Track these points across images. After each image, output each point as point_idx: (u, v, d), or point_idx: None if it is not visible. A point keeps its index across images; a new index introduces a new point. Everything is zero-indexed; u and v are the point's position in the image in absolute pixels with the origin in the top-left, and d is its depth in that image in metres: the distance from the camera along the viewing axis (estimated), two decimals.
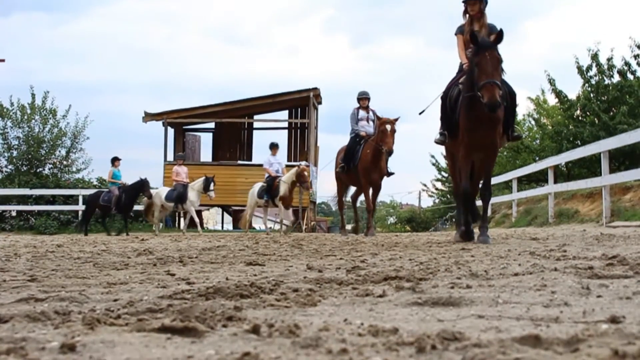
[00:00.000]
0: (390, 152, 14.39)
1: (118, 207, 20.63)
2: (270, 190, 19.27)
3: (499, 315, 2.18)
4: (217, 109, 28.98)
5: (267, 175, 19.63)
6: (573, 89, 75.47)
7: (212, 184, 19.93)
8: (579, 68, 25.83)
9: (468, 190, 8.97)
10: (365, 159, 15.00)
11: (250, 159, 31.79)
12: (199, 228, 21.04)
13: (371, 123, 15.65)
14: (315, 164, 29.83)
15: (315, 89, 28.93)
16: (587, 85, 25.86)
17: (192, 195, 20.12)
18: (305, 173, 18.42)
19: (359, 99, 16.05)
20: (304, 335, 1.83)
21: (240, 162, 29.37)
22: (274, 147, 19.88)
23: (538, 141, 29.45)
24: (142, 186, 20.39)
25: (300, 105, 30.08)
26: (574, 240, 8.05)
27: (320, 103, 30.75)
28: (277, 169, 19.67)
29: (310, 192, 27.11)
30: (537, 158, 26.60)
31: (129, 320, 2.14)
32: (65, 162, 30.81)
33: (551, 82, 26.51)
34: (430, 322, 2.12)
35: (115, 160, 21.58)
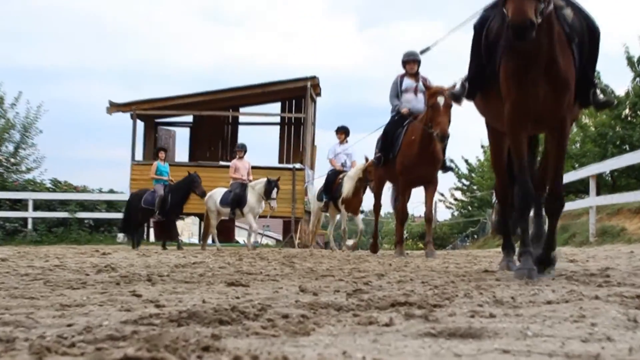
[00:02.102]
0: (443, 138, 12.16)
1: (163, 211, 19.68)
2: (330, 189, 18.24)
3: (527, 351, 2.18)
4: (196, 99, 29.00)
5: (329, 169, 18.64)
6: (621, 83, 75.38)
7: (275, 190, 18.68)
8: (629, 59, 25.88)
9: (528, 185, 6.35)
10: (409, 147, 13.03)
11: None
12: (254, 239, 19.91)
13: (421, 96, 13.39)
14: (312, 167, 29.84)
15: (313, 78, 28.95)
16: (638, 79, 25.91)
17: (252, 198, 18.86)
18: (371, 169, 16.00)
19: (404, 63, 13.83)
20: None
21: (222, 163, 29.37)
22: (341, 131, 18.82)
23: (578, 145, 29.49)
24: (191, 182, 19.45)
25: (296, 96, 30.10)
26: (619, 264, 8.05)
27: (319, 95, 30.77)
28: (345, 160, 18.54)
29: (305, 200, 27.11)
30: (576, 165, 26.61)
31: (85, 349, 2.13)
32: (12, 160, 30.81)
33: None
34: (445, 356, 2.11)
35: (159, 152, 20.96)
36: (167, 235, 21.05)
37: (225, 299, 4.01)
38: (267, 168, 25.17)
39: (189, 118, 32.31)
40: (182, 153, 32.46)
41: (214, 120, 31.41)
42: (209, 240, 20.96)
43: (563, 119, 6.29)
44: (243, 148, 20.24)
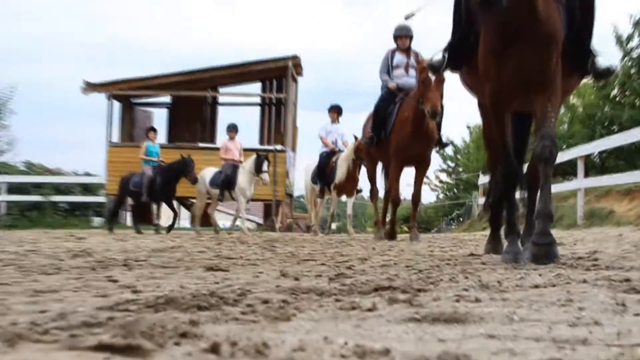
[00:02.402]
0: (434, 114, 11.82)
1: (151, 194, 19.36)
2: (323, 174, 17.86)
3: (514, 335, 2.18)
4: (174, 79, 28.90)
5: (323, 149, 18.17)
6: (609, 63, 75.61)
7: (265, 163, 18.48)
8: (618, 38, 25.96)
9: (511, 163, 6.19)
10: (402, 125, 12.82)
11: (213, 140, 31.70)
12: (242, 224, 19.41)
13: (413, 73, 13.12)
14: (294, 149, 29.85)
15: (295, 57, 28.90)
16: (627, 58, 25.99)
17: (243, 179, 18.62)
18: (362, 148, 15.67)
19: (395, 37, 13.64)
20: (274, 356, 1.82)
21: (201, 144, 29.26)
22: (334, 110, 18.50)
23: (566, 126, 29.61)
24: (183, 166, 18.98)
25: (276, 76, 30.03)
26: (607, 247, 8.10)
27: (300, 74, 30.73)
28: (335, 139, 18.16)
29: (287, 183, 27.11)
30: (564, 146, 26.74)
31: (59, 336, 2.12)
32: None
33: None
34: (429, 342, 2.11)
35: (149, 132, 20.71)
36: (147, 218, 20.98)
37: (204, 284, 4.00)
38: (247, 150, 25.08)
39: (167, 99, 32.19)
40: (159, 134, 32.36)
41: (192, 100, 31.29)
42: (188, 224, 20.87)
43: (549, 78, 5.76)
44: (234, 128, 20.00)
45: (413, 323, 2.49)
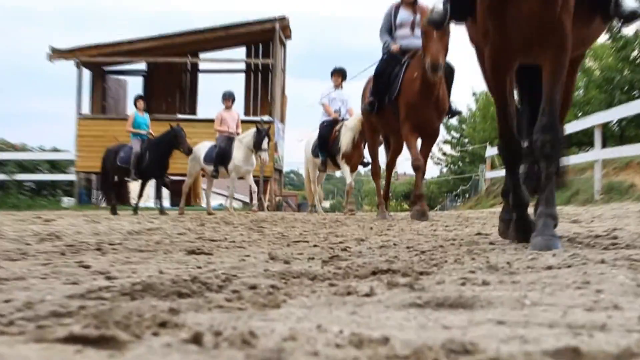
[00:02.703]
0: (435, 67, 11.32)
1: (139, 170, 18.94)
2: (326, 144, 17.58)
3: (525, 321, 2.19)
4: (150, 44, 28.81)
5: (323, 118, 17.93)
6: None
7: (265, 141, 18.15)
8: None
9: (512, 136, 6.00)
10: (411, 87, 12.31)
11: (194, 111, 31.68)
12: (255, 201, 19.44)
13: (419, 32, 12.19)
14: (282, 120, 29.84)
15: (282, 18, 28.82)
16: None
17: (239, 154, 18.40)
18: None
19: None
20: (263, 346, 1.82)
21: (180, 116, 29.21)
22: (337, 73, 18.21)
23: (582, 91, 29.61)
24: (175, 137, 18.54)
25: (262, 40, 29.97)
26: (627, 224, 8.12)
27: (289, 38, 30.68)
28: (339, 107, 17.91)
29: (275, 157, 27.10)
30: (579, 114, 26.76)
31: (25, 327, 2.12)
32: None
33: None
34: (433, 329, 2.12)
35: (138, 100, 20.34)
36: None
37: (185, 269, 4.01)
38: None
39: (142, 66, 32.12)
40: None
41: (170, 68, 31.22)
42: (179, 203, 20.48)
43: (563, 35, 5.37)
44: (231, 96, 19.85)
45: (415, 309, 2.49)
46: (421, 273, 3.51)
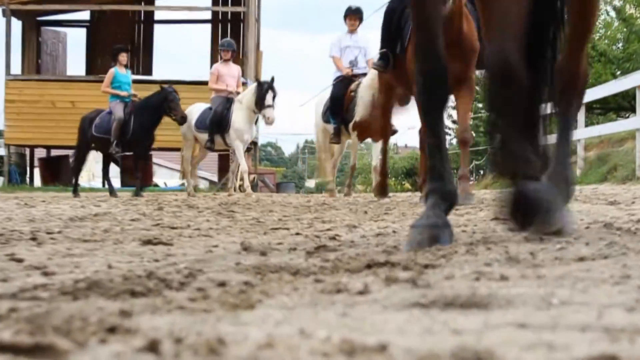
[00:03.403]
0: None
1: (122, 141, 18.52)
2: (339, 108, 16.42)
3: (552, 324, 2.20)
4: None
5: (335, 74, 16.95)
6: None
7: (269, 94, 17.61)
8: None
9: (438, 59, 4.80)
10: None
11: (149, 71, 31.62)
12: (247, 184, 18.95)
13: None
14: (258, 76, 29.74)
15: None
16: None
17: (240, 117, 17.94)
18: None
19: None
20: (233, 356, 1.82)
21: (133, 77, 29.13)
22: (352, 15, 17.11)
23: (620, 45, 29.62)
24: (165, 101, 18.18)
25: None
26: None
27: None
28: (355, 57, 16.85)
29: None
30: (618, 72, 26.81)
31: None
32: None
33: None
34: (440, 334, 2.12)
35: (119, 54, 20.04)
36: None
37: (140, 263, 4.01)
38: (193, 83, 25.00)
39: (84, 15, 32.03)
40: (76, 64, 32.20)
41: (119, 17, 31.16)
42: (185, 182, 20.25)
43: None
44: (230, 47, 19.51)
45: (418, 309, 2.50)
46: (426, 266, 3.52)
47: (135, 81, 25.53)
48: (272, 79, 18.09)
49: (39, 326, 2.11)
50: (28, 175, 27.93)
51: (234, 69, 19.14)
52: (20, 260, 4.18)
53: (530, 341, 1.98)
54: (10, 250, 4.81)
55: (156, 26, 32.58)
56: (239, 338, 2.04)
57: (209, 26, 31.56)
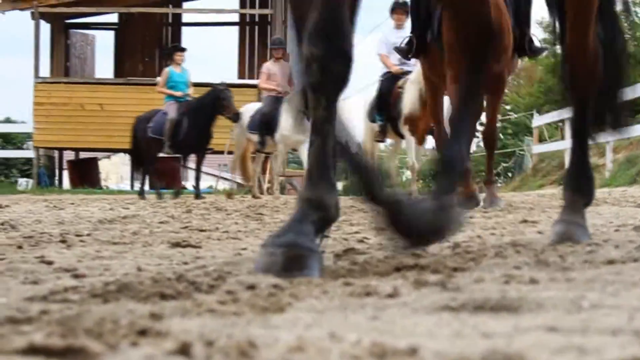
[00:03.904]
0: None
1: (175, 143, 18.19)
2: (386, 104, 15.52)
3: (583, 328, 2.19)
4: None
5: (384, 72, 15.94)
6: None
7: None
8: None
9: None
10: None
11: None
12: (275, 186, 18.89)
13: None
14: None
15: None
16: None
17: (289, 119, 16.71)
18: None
19: None
20: (265, 359, 1.82)
21: (160, 79, 29.21)
22: (399, 9, 15.88)
23: None
24: (216, 99, 17.87)
25: None
26: None
27: None
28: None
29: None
30: None
31: None
32: None
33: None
34: (470, 337, 2.12)
35: (175, 53, 19.67)
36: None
37: (169, 265, 4.02)
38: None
39: (113, 17, 32.09)
40: (105, 67, 32.28)
41: (147, 20, 31.21)
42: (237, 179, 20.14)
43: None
44: (281, 45, 18.91)
45: (448, 313, 2.49)
46: (455, 269, 3.51)
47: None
48: None
49: (70, 329, 2.12)
50: (57, 177, 27.99)
51: (286, 67, 18.43)
52: (50, 263, 4.20)
53: (561, 345, 1.97)
54: (40, 253, 4.82)
55: (184, 29, 32.63)
56: (270, 341, 2.04)
57: (236, 29, 31.56)
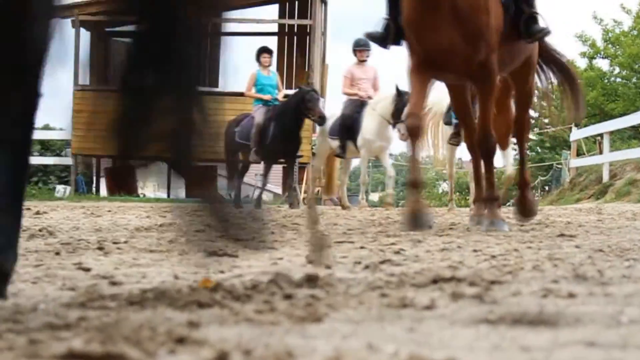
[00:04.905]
0: None
1: (262, 149, 17.40)
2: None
3: (622, 343, 2.18)
4: None
5: None
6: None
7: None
8: None
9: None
10: None
11: (215, 83, 31.66)
12: (389, 190, 17.88)
13: None
14: (322, 93, 29.72)
15: None
16: None
17: (371, 124, 16.55)
18: None
19: None
20: None
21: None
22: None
23: None
24: (301, 101, 16.87)
25: None
26: None
27: None
28: None
29: (313, 139, 27.03)
30: None
31: (15, 342, 2.13)
32: None
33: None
34: (508, 350, 2.11)
35: (262, 54, 18.92)
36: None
37: (206, 274, 4.02)
38: None
39: None
40: None
41: None
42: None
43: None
44: (366, 46, 17.60)
45: (486, 326, 2.49)
46: (492, 282, 3.50)
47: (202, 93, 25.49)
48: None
49: (108, 335, 2.13)
50: (94, 184, 28.09)
51: (370, 70, 17.80)
52: (87, 270, 4.22)
53: (600, 359, 1.96)
54: (77, 259, 4.85)
55: (223, 38, 32.69)
56: (307, 351, 2.04)
57: (275, 39, 31.58)
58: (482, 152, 9.82)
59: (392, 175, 18.06)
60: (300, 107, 16.85)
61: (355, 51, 17.52)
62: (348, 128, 16.88)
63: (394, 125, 16.29)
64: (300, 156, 18.71)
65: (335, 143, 17.32)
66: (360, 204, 17.39)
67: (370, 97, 17.24)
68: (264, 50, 19.09)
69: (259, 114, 17.48)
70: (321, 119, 17.06)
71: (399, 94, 15.96)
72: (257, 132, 17.22)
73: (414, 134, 9.17)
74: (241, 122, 17.90)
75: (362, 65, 17.56)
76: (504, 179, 15.32)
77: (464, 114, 10.93)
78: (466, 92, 10.45)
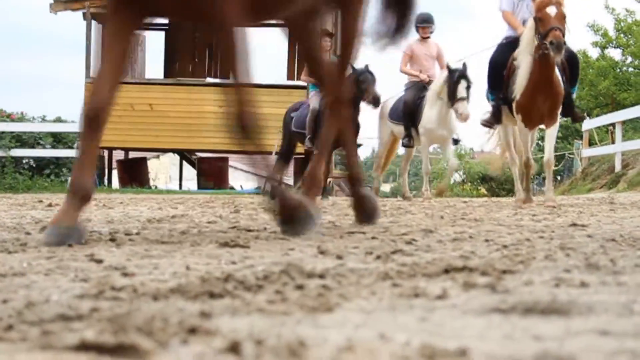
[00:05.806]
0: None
1: (316, 137, 15.34)
2: (499, 79, 12.72)
3: (635, 332, 2.17)
4: None
5: (507, 33, 13.13)
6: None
7: (462, 84, 14.98)
8: None
9: None
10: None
11: (227, 74, 31.61)
12: (425, 187, 16.61)
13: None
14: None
15: None
16: None
17: (432, 110, 15.56)
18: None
19: None
20: (315, 358, 1.82)
21: (210, 79, 29.19)
22: None
23: None
24: (355, 82, 14.94)
25: None
26: None
27: None
28: (528, 18, 12.27)
29: None
30: None
31: (28, 333, 2.14)
32: None
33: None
34: (521, 340, 2.11)
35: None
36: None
37: (217, 265, 4.02)
38: (270, 86, 24.87)
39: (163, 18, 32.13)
40: (154, 67, 32.33)
41: None
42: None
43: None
44: (429, 20, 16.60)
45: (498, 315, 2.48)
46: (504, 272, 3.50)
47: (213, 84, 25.45)
48: (465, 66, 15.55)
49: (121, 326, 2.13)
50: (106, 176, 28.05)
51: (433, 47, 16.63)
52: (99, 261, 4.22)
53: (613, 348, 1.96)
54: (90, 251, 4.85)
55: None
56: (319, 341, 2.04)
57: (286, 28, 31.46)
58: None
59: (454, 166, 17.90)
60: (356, 89, 15.18)
61: (417, 27, 16.35)
62: (410, 115, 16.12)
63: (451, 105, 15.35)
64: (360, 145, 17.65)
65: (397, 128, 16.62)
66: (424, 195, 16.50)
67: (430, 78, 16.36)
68: (324, 34, 17.42)
69: (314, 100, 16.40)
70: (375, 100, 15.74)
71: (450, 72, 15.33)
72: (312, 118, 16.27)
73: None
74: (298, 109, 17.22)
75: (424, 42, 16.67)
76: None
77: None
78: None
